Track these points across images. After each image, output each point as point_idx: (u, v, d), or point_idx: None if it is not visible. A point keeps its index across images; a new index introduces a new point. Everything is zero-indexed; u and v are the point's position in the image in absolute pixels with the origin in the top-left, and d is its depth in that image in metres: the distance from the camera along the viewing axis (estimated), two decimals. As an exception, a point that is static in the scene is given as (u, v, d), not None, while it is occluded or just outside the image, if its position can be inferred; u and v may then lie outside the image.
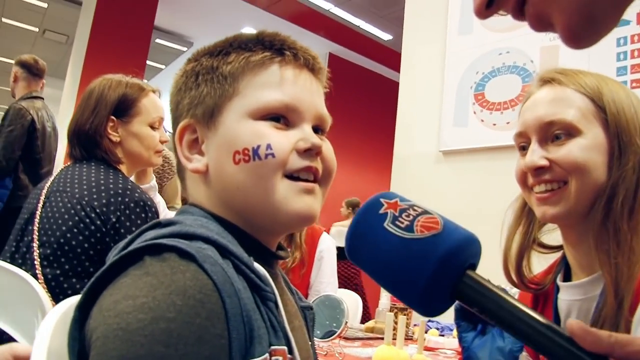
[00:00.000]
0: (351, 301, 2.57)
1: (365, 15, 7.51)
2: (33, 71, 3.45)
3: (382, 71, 9.06)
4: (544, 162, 0.94)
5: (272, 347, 0.58)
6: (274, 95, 0.68)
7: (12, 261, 1.47)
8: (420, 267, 0.47)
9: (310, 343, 0.77)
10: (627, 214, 0.89)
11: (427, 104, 2.87)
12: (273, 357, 0.57)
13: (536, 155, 0.95)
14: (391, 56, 7.43)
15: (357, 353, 1.58)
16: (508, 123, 2.44)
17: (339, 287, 2.94)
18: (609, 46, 2.12)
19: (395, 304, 2.01)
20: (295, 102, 0.69)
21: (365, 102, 8.96)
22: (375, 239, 0.51)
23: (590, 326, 0.96)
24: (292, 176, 0.67)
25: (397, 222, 0.50)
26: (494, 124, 2.51)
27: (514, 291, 1.23)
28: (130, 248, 0.55)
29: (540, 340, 0.44)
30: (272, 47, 0.71)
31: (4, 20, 8.62)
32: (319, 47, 8.35)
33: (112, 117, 1.61)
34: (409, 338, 1.98)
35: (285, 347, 0.60)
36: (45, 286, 1.39)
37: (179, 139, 0.71)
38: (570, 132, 0.93)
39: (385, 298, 2.06)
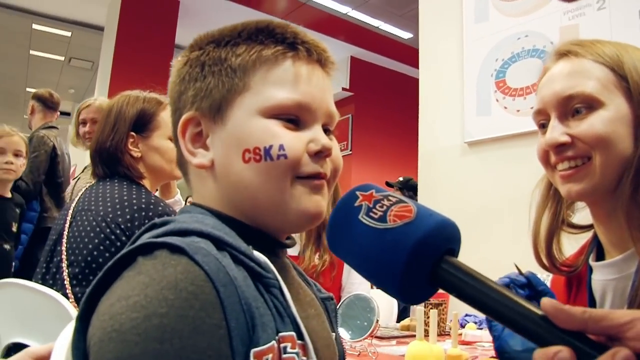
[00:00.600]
0: (385, 301, 2.54)
1: (383, 15, 7.47)
2: (48, 104, 3.63)
3: (405, 70, 8.98)
4: (566, 139, 0.90)
5: (280, 334, 0.56)
6: (288, 94, 0.66)
7: (44, 282, 1.49)
8: (395, 257, 0.47)
9: (334, 334, 0.76)
10: None
11: (448, 96, 2.83)
12: (281, 344, 0.56)
13: (557, 131, 0.91)
14: (413, 54, 7.37)
15: (392, 351, 1.55)
16: (532, 108, 2.36)
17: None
18: (632, 19, 2.04)
19: (430, 300, 1.97)
20: (309, 102, 0.67)
21: (390, 102, 8.91)
22: (351, 231, 0.51)
23: (627, 306, 0.92)
24: (302, 178, 0.66)
25: (371, 214, 0.51)
26: (518, 110, 2.45)
27: (548, 277, 1.19)
28: (123, 251, 0.55)
29: (517, 320, 0.44)
30: (285, 40, 0.69)
31: (31, 52, 8.88)
32: (340, 51, 8.34)
33: (132, 133, 1.62)
34: (446, 334, 1.95)
35: (293, 333, 0.58)
36: (76, 305, 1.40)
37: (182, 132, 0.69)
38: (591, 104, 0.89)
39: (419, 295, 2.02)
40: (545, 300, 0.42)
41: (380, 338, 1.82)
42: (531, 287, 0.93)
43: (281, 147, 0.63)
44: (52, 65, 9.37)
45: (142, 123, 1.65)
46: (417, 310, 1.31)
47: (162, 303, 0.47)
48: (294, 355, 0.56)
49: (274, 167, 0.64)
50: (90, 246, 1.45)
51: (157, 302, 0.47)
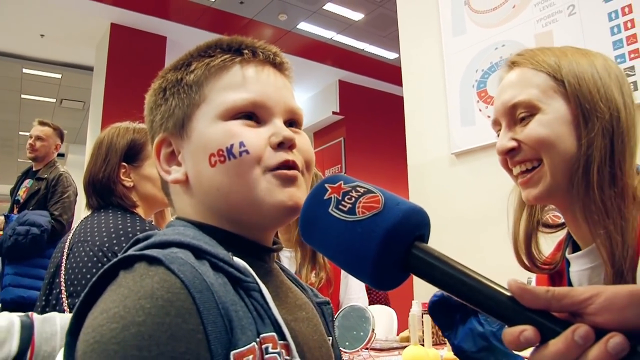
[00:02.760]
0: (385, 315, 2.55)
1: (367, 38, 7.56)
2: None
3: (393, 90, 9.03)
4: (512, 144, 0.95)
5: (262, 336, 0.58)
6: (239, 94, 0.69)
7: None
8: (365, 248, 0.49)
9: (330, 338, 0.77)
10: (609, 179, 0.88)
11: (433, 109, 2.88)
12: (263, 345, 0.57)
13: (504, 138, 0.97)
14: (399, 74, 7.44)
15: (390, 360, 1.57)
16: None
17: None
18: (601, 22, 2.11)
19: (426, 310, 1.99)
20: (262, 98, 0.70)
21: (380, 122, 8.92)
22: (322, 225, 0.53)
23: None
24: (271, 170, 0.68)
25: (340, 206, 0.53)
26: (500, 118, 2.50)
27: (532, 277, 1.22)
28: (106, 266, 0.57)
29: (485, 301, 0.46)
30: (231, 49, 0.73)
31: (23, 96, 8.94)
32: (328, 76, 8.40)
33: (124, 164, 1.66)
34: (443, 342, 1.96)
35: (274, 334, 0.60)
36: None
37: (157, 154, 0.73)
38: (531, 111, 0.94)
39: (416, 305, 2.05)
40: (512, 281, 0.45)
41: (380, 350, 1.83)
42: None
43: (242, 144, 0.66)
44: (44, 107, 9.42)
45: (133, 153, 1.68)
46: (411, 316, 1.33)
47: (139, 312, 0.49)
48: (276, 355, 0.58)
49: (239, 164, 0.66)
50: (88, 276, 1.46)
51: (134, 312, 0.49)
